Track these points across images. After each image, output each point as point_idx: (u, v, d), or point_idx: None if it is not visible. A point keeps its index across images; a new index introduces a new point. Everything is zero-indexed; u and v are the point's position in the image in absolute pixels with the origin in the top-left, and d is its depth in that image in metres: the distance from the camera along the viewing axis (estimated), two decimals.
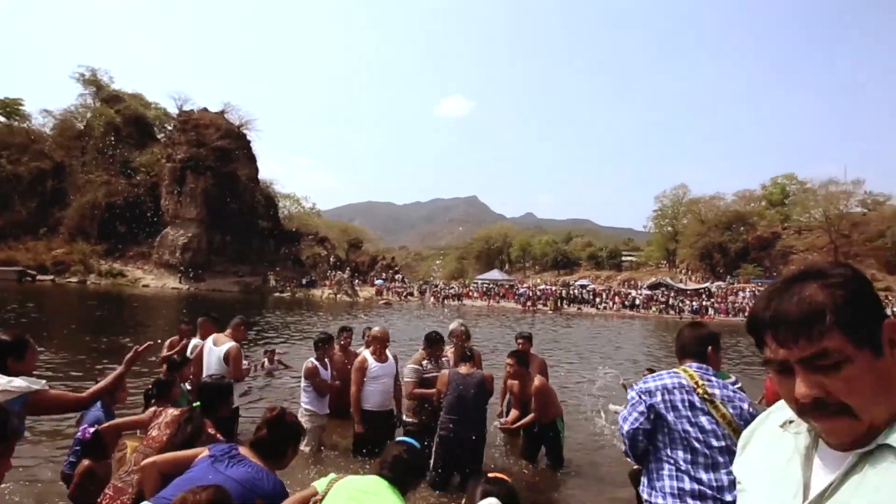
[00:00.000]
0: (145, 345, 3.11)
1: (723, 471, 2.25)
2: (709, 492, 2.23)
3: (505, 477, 2.35)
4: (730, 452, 2.24)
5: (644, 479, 2.44)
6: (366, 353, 5.74)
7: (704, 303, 41.16)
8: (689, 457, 2.29)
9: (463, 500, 2.26)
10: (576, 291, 45.95)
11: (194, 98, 56.03)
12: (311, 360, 5.86)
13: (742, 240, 56.65)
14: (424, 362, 5.50)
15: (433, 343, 5.54)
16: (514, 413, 6.27)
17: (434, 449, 4.81)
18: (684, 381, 2.40)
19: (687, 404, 2.35)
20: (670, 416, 2.34)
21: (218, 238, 42.36)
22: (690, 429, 2.30)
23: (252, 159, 46.42)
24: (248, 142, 46.49)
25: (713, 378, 2.43)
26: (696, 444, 2.28)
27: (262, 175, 48.81)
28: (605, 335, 23.47)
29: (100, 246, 41.98)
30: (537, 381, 5.44)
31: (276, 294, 39.17)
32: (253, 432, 2.56)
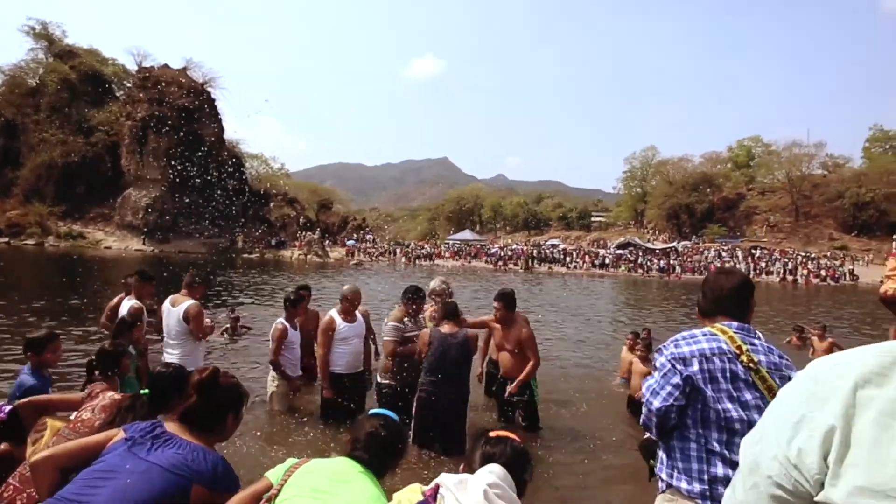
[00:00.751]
0: None
1: None
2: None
3: (510, 435, 1.84)
4: None
5: (663, 456, 2.07)
6: (333, 313, 5.40)
7: (672, 261, 42.19)
8: (724, 437, 1.89)
9: (461, 466, 1.82)
10: (546, 251, 46.50)
11: (154, 54, 53.31)
12: (281, 321, 5.62)
13: (708, 200, 57.91)
14: (406, 320, 5.15)
15: (412, 298, 5.17)
16: (481, 369, 6.24)
17: (413, 412, 4.64)
18: (724, 346, 1.97)
19: (728, 375, 1.93)
20: (708, 390, 1.93)
21: (183, 199, 41.20)
22: (730, 405, 1.90)
23: (217, 118, 44.83)
24: (213, 100, 44.78)
25: (757, 341, 2.01)
26: (736, 424, 1.88)
27: (228, 135, 47.27)
28: (576, 293, 23.94)
29: (57, 207, 40.44)
30: (526, 329, 5.22)
31: (245, 255, 38.58)
32: (182, 399, 2.05)
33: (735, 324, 2.05)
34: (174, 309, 5.19)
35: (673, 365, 1.98)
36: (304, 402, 5.82)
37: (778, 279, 37.96)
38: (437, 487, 1.61)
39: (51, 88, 43.03)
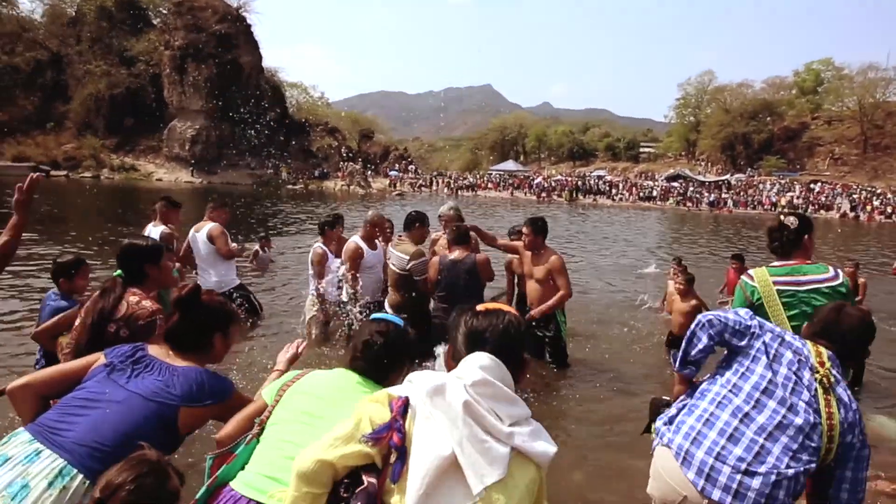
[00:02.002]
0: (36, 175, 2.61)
1: (762, 466, 1.76)
2: (724, 467, 1.78)
3: (503, 307, 1.44)
4: (793, 455, 1.77)
5: (671, 411, 2.06)
6: (357, 240, 5.20)
7: (723, 195, 40.41)
8: (744, 416, 1.83)
9: (444, 351, 1.50)
10: (592, 182, 45.18)
11: None
12: (319, 245, 5.60)
13: (767, 130, 54.30)
14: (390, 246, 5.12)
15: (409, 225, 4.98)
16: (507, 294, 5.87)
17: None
18: (807, 353, 1.89)
19: (793, 372, 1.85)
20: (761, 362, 1.88)
21: (226, 129, 41.44)
22: (778, 394, 1.83)
23: (254, 45, 44.07)
24: (249, 26, 43.88)
25: (842, 380, 1.90)
26: (769, 416, 1.81)
27: (267, 63, 46.62)
28: (619, 225, 23.27)
29: (109, 140, 41.34)
30: (556, 256, 4.85)
31: (289, 186, 38.99)
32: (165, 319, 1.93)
33: (830, 352, 1.92)
34: (198, 234, 5.53)
35: (752, 317, 1.98)
36: (338, 327, 5.64)
37: (838, 215, 35.94)
38: (406, 399, 1.25)
39: (89, 17, 42.89)
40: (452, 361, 1.37)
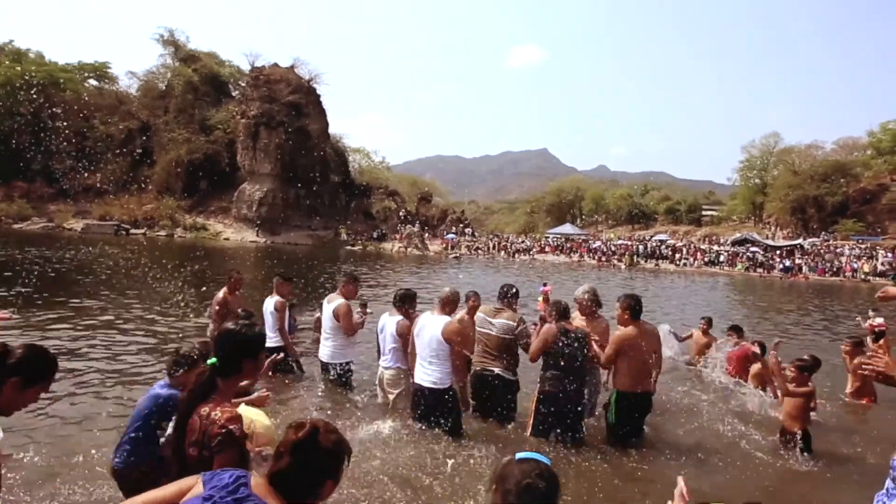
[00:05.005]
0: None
1: None
2: None
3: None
4: None
5: None
6: (446, 317, 5.17)
7: (798, 260, 38.17)
8: None
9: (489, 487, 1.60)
10: (653, 246, 43.87)
11: (265, 54, 56.69)
12: (404, 319, 5.45)
13: (841, 192, 51.61)
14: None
15: (506, 296, 5.73)
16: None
17: (533, 405, 5.05)
18: None
19: None
20: None
21: (292, 192, 43.34)
22: None
23: (322, 114, 46.67)
24: (318, 96, 46.66)
25: None
26: None
27: (332, 129, 49.16)
28: (689, 292, 22.15)
29: (184, 201, 44.12)
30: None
31: (348, 247, 39.87)
32: (273, 458, 1.73)
33: None
34: (328, 306, 6.00)
35: None
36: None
37: None
38: None
39: (177, 91, 47.06)
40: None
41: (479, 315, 5.64)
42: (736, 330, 7.89)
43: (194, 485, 1.65)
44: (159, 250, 28.80)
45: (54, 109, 41.70)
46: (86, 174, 41.80)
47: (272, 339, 6.06)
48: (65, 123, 41.76)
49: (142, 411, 3.15)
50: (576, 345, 4.94)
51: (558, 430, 4.87)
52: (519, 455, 1.68)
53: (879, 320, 7.46)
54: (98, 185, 42.39)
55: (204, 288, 13.03)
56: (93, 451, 4.23)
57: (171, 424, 2.85)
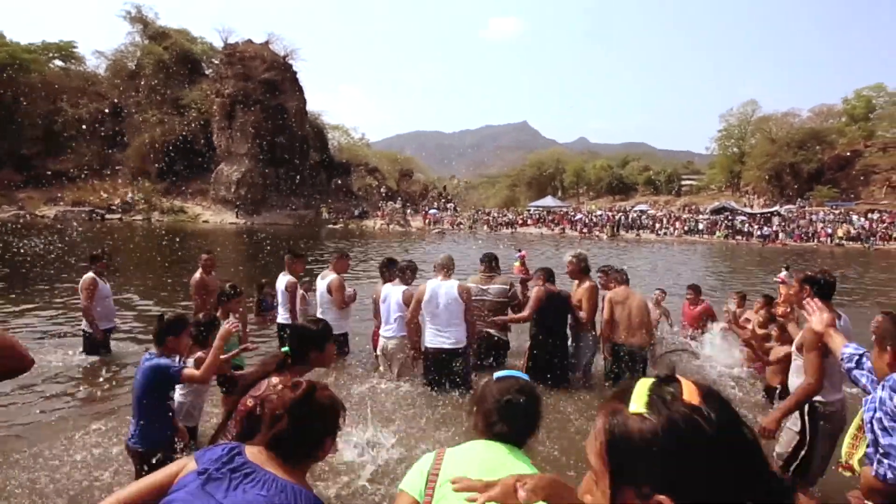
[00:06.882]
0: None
1: None
2: None
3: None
4: None
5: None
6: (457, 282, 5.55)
7: (775, 227, 38.87)
8: None
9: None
10: (634, 217, 44.28)
11: (238, 30, 55.14)
12: (408, 288, 5.68)
13: (817, 160, 52.39)
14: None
15: (492, 262, 6.40)
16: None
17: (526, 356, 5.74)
18: None
19: None
20: None
21: (270, 172, 42.71)
22: None
23: (299, 91, 45.78)
24: (295, 73, 45.71)
25: None
26: None
27: (310, 107, 48.25)
28: (669, 260, 22.48)
29: (160, 184, 43.19)
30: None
31: (330, 226, 39.62)
32: (268, 424, 1.69)
33: None
34: (322, 282, 6.27)
35: None
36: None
37: None
38: None
39: (148, 70, 45.57)
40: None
41: (471, 286, 5.91)
42: (694, 289, 8.07)
43: (186, 464, 1.61)
44: (135, 235, 28.30)
45: (18, 92, 40.28)
46: (56, 159, 40.64)
47: (284, 318, 6.29)
48: (30, 107, 40.38)
49: (145, 385, 3.14)
50: (560, 305, 5.65)
51: (548, 377, 5.44)
52: (497, 374, 1.69)
53: (783, 274, 9.37)
54: (70, 170, 41.34)
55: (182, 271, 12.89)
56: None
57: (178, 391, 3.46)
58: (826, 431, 3.30)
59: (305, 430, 1.65)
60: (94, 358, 6.30)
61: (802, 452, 3.30)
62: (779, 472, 3.03)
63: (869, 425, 1.93)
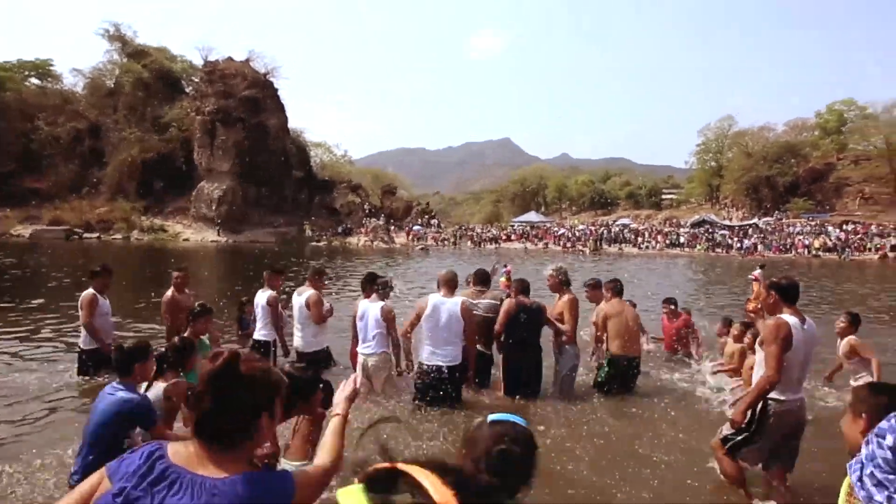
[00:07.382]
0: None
1: None
2: None
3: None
4: None
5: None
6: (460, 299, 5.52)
7: (754, 240, 39.50)
8: None
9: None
10: (616, 231, 44.67)
11: (219, 48, 55.02)
12: (386, 304, 5.56)
13: (792, 173, 53.57)
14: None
15: (485, 279, 6.30)
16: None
17: (503, 368, 5.72)
18: None
19: None
20: None
21: (252, 189, 42.39)
22: None
23: (281, 108, 45.69)
24: (276, 90, 45.66)
25: None
26: None
27: (292, 124, 48.15)
28: (655, 273, 22.62)
29: (140, 202, 42.57)
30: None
31: (313, 243, 39.30)
32: (192, 407, 1.44)
33: None
34: (299, 297, 6.18)
35: None
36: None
37: (877, 256, 34.67)
38: None
39: (127, 88, 45.11)
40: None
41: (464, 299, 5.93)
42: (670, 302, 7.93)
43: (101, 480, 1.37)
44: (113, 254, 27.78)
45: None
46: (33, 178, 39.91)
47: (263, 334, 6.33)
48: (5, 125, 39.72)
49: (105, 419, 2.89)
50: (532, 317, 5.58)
51: (527, 387, 5.59)
52: (492, 417, 1.48)
53: (757, 272, 9.99)
54: (47, 188, 40.57)
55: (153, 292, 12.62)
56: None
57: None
58: (773, 428, 3.45)
59: (230, 405, 1.37)
60: (76, 379, 6.14)
61: (740, 438, 3.54)
62: (718, 443, 3.67)
63: (858, 484, 1.85)
